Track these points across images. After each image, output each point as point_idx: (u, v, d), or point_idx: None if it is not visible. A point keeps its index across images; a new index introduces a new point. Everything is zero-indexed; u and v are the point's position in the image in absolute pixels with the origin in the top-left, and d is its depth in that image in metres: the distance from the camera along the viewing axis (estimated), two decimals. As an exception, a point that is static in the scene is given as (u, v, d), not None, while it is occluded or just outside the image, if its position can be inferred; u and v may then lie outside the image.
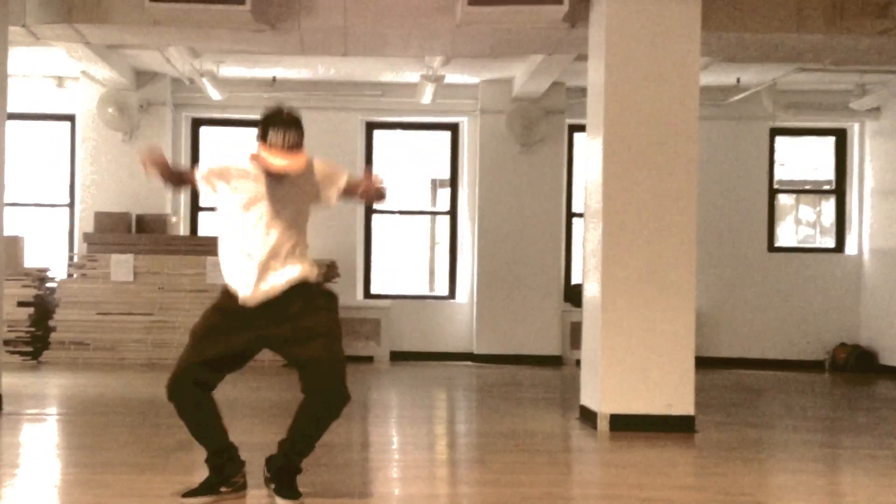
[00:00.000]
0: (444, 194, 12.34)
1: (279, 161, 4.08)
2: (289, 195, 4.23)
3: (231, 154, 4.35)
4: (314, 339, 4.15)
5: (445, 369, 10.76)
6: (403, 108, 11.51)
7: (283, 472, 4.29)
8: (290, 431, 4.28)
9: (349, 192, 4.41)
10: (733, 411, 7.87)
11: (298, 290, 4.21)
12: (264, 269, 4.18)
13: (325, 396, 4.18)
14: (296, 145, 4.12)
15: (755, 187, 11.86)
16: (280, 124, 4.12)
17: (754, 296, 11.75)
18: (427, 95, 10.74)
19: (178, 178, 4.44)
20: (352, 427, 6.86)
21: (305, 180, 4.27)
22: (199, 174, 4.31)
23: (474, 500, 4.66)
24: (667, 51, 6.62)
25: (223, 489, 4.30)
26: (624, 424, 6.47)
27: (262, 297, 4.18)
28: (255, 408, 7.10)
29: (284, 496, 4.23)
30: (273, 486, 4.29)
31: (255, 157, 4.17)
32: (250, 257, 4.20)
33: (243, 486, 4.37)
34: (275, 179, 4.19)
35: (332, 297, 4.37)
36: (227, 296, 4.29)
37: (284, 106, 4.27)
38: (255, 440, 5.13)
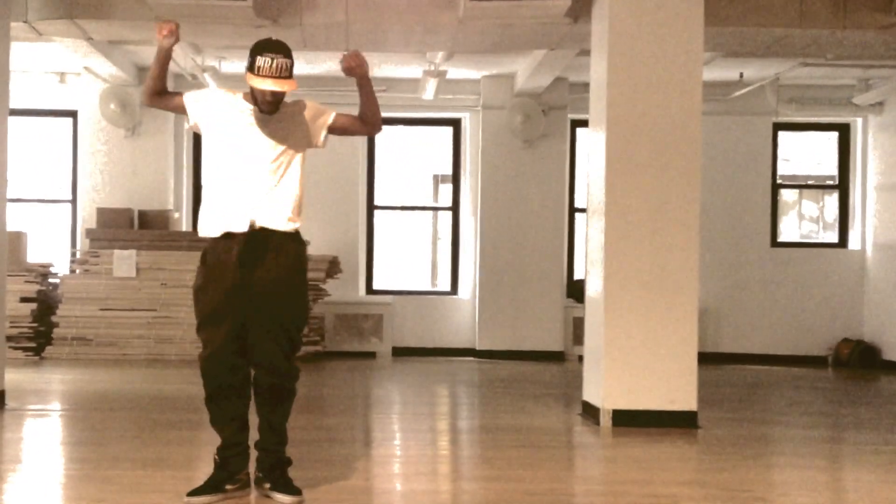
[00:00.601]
0: (447, 190, 12.33)
1: (268, 84, 4.03)
2: (278, 134, 4.20)
3: (219, 89, 4.36)
4: (274, 307, 4.13)
5: (448, 365, 10.76)
6: (405, 103, 11.50)
7: (276, 467, 4.27)
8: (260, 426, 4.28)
9: (337, 128, 4.39)
10: (736, 407, 7.86)
11: (285, 245, 4.19)
12: (255, 206, 4.14)
13: (272, 378, 4.21)
14: (286, 72, 4.06)
15: (758, 182, 11.84)
16: (268, 50, 4.06)
17: (757, 291, 11.75)
18: (429, 91, 10.73)
19: (163, 72, 4.31)
20: (354, 422, 6.86)
21: (295, 120, 4.25)
22: (187, 96, 4.29)
23: (477, 496, 4.66)
24: (670, 46, 6.60)
25: (228, 486, 4.26)
26: (626, 420, 6.47)
27: (249, 229, 4.12)
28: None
29: (284, 492, 4.20)
30: (268, 485, 4.26)
31: (245, 95, 4.19)
32: (238, 195, 4.15)
33: (247, 484, 4.35)
34: (265, 115, 4.16)
35: (304, 262, 4.32)
36: (208, 257, 4.24)
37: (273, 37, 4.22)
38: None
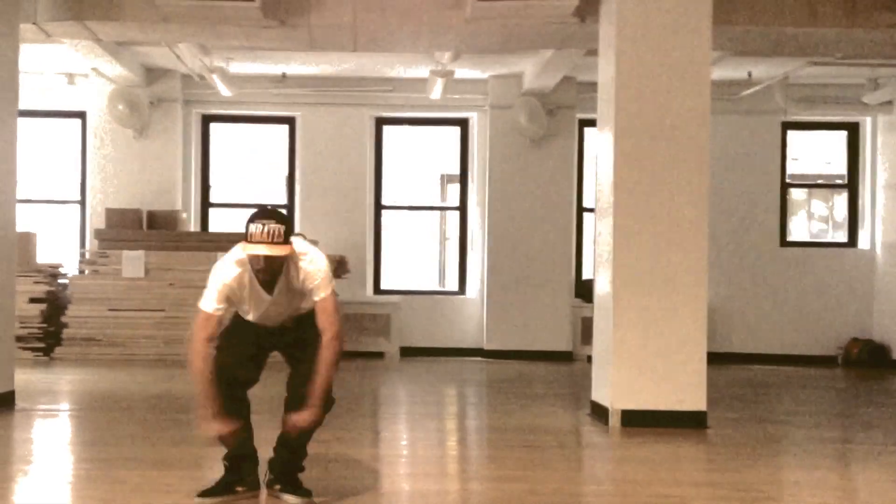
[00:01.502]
0: (454, 190, 12.32)
1: (261, 249, 3.99)
2: (283, 303, 4.25)
3: (220, 273, 4.20)
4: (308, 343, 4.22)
5: (455, 365, 10.76)
6: (413, 103, 11.50)
7: (287, 471, 4.30)
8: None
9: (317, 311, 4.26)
10: (745, 407, 7.84)
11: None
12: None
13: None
14: (278, 238, 4.01)
15: (767, 182, 11.80)
16: (260, 217, 4.05)
17: (766, 291, 11.71)
18: (436, 91, 10.72)
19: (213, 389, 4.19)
20: (362, 423, 6.86)
21: (294, 286, 4.20)
22: (213, 310, 4.18)
23: (485, 496, 4.65)
24: (678, 45, 6.58)
25: (238, 488, 4.29)
26: (635, 420, 6.46)
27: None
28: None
29: (294, 493, 4.23)
30: (278, 486, 4.29)
31: (241, 263, 4.14)
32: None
33: (257, 485, 4.37)
34: (267, 289, 4.17)
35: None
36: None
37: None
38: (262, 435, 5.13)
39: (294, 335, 4.33)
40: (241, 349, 4.28)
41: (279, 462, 4.32)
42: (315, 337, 4.20)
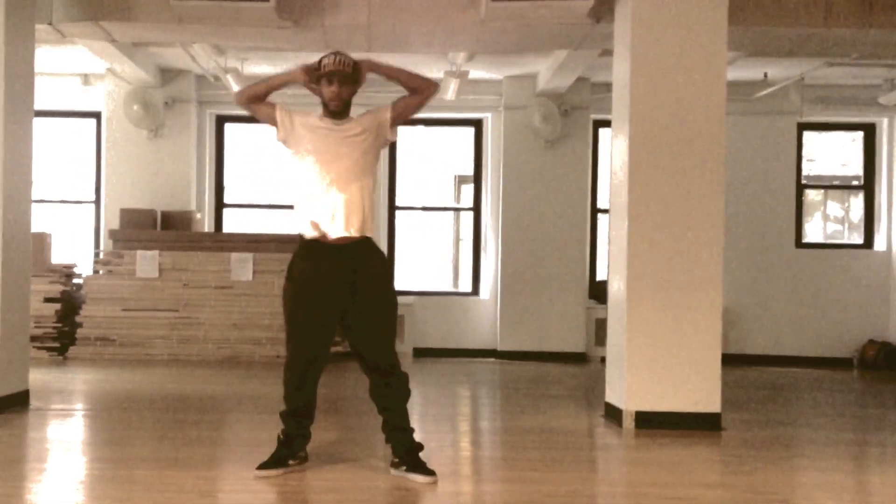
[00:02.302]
0: (468, 190, 12.31)
1: (335, 70, 4.54)
2: (348, 143, 4.61)
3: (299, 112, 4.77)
4: (373, 311, 4.61)
5: (469, 366, 10.75)
6: (427, 104, 11.48)
7: (411, 453, 4.73)
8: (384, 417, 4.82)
9: (398, 116, 4.77)
10: (760, 409, 7.80)
11: (371, 248, 4.62)
12: (338, 214, 4.55)
13: (382, 375, 4.73)
14: (348, 66, 4.56)
15: (783, 183, 11.75)
16: (332, 53, 4.59)
17: (782, 292, 11.66)
18: (450, 91, 10.71)
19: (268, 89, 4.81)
20: (374, 423, 6.85)
21: (364, 127, 4.66)
22: (279, 113, 4.73)
23: (498, 497, 4.64)
24: (693, 45, 6.56)
25: (291, 462, 4.71)
26: (649, 422, 6.44)
27: (341, 233, 4.53)
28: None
29: (422, 472, 4.65)
30: (404, 467, 4.70)
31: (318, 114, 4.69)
32: (324, 203, 4.57)
33: (306, 459, 4.87)
34: (338, 125, 4.61)
35: (390, 266, 4.84)
36: (303, 255, 4.61)
37: None
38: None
39: (361, 294, 4.55)
40: (310, 323, 4.60)
41: (400, 445, 4.76)
42: (383, 304, 4.61)
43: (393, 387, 4.81)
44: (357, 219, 4.55)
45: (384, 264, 4.75)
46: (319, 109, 4.83)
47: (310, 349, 4.64)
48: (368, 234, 4.61)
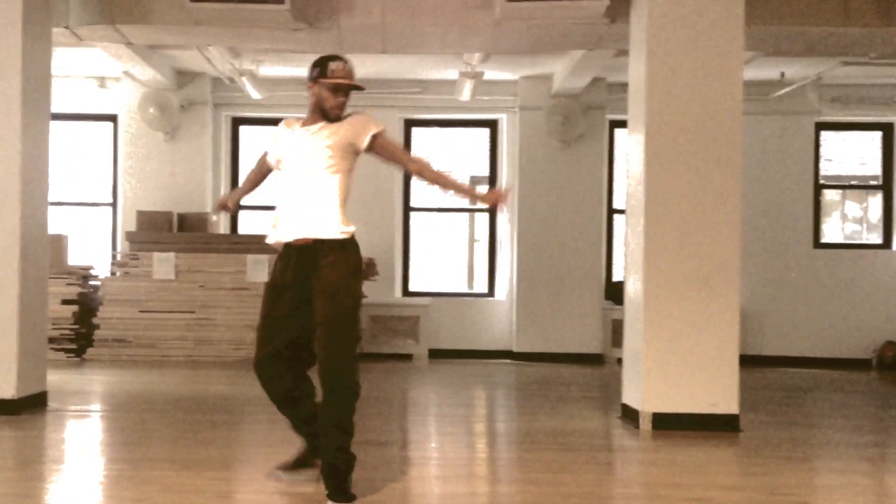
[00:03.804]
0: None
1: (344, 80, 4.37)
2: (311, 142, 4.45)
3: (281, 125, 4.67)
4: (320, 311, 4.26)
5: (484, 367, 10.73)
6: (442, 105, 11.50)
7: (331, 474, 4.29)
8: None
9: (377, 154, 4.51)
10: (778, 410, 7.76)
11: (329, 245, 4.35)
12: (297, 214, 4.41)
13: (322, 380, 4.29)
14: (353, 76, 4.44)
15: (800, 183, 11.69)
16: (337, 59, 4.44)
17: (800, 293, 11.59)
18: (466, 92, 10.71)
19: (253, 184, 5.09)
20: (390, 424, 6.85)
21: (332, 132, 4.42)
22: (268, 154, 4.75)
23: (515, 498, 4.63)
24: (709, 45, 6.52)
25: (315, 461, 4.45)
26: (667, 423, 6.40)
27: (295, 236, 4.38)
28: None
29: (332, 499, 4.24)
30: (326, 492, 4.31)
31: (295, 120, 4.56)
32: (287, 203, 4.49)
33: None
34: (314, 128, 4.44)
35: (357, 260, 4.44)
36: (276, 262, 4.50)
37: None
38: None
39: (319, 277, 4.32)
40: (271, 316, 4.39)
41: (327, 461, 4.37)
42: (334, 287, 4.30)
43: (327, 403, 4.26)
44: (313, 220, 4.36)
45: (342, 266, 4.36)
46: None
47: (265, 343, 4.39)
48: (332, 236, 4.32)
